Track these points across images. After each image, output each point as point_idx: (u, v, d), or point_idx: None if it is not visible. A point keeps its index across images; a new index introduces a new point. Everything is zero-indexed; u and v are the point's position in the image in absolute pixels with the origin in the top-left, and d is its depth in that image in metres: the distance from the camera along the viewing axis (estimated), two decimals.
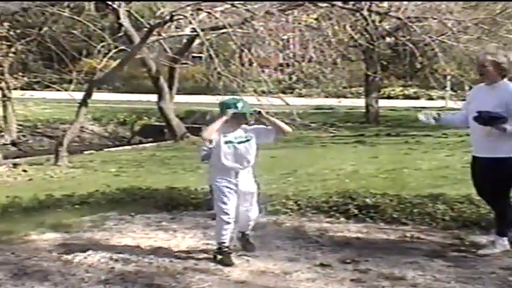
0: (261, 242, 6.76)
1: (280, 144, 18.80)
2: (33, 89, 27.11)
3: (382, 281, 5.65)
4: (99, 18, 25.97)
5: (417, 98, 38.35)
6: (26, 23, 23.51)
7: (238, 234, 6.61)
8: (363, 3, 20.10)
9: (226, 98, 6.99)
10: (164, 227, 7.74)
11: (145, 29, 20.81)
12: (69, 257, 6.47)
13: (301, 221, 7.89)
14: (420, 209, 7.96)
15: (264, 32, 18.70)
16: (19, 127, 26.58)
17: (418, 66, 27.42)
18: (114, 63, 21.41)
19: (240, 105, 6.23)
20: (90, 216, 8.30)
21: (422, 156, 15.95)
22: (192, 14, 19.27)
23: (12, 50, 21.88)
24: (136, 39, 21.17)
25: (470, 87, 6.91)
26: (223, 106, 6.29)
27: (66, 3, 22.13)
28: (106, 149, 23.35)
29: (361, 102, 29.24)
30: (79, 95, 19.57)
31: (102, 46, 21.20)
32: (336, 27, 20.70)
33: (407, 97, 38.45)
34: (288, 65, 24.14)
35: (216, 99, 18.54)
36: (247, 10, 18.56)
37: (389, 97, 37.18)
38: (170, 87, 24.78)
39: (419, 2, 21.63)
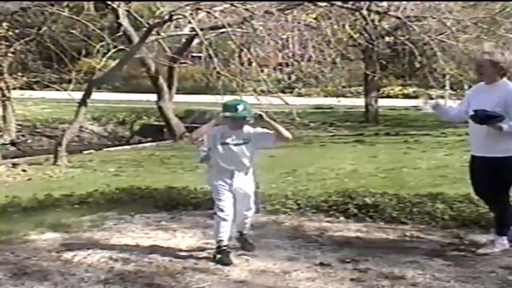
0: (260, 242, 6.76)
1: (279, 144, 18.84)
2: (32, 89, 27.12)
3: (381, 280, 5.65)
4: (99, 18, 25.98)
5: (416, 97, 38.23)
6: (25, 22, 23.49)
7: (237, 234, 6.62)
8: (362, 2, 20.11)
9: (230, 99, 7.00)
10: (164, 226, 7.74)
11: (145, 29, 20.82)
12: (69, 256, 6.46)
13: (301, 221, 7.89)
14: (419, 208, 7.95)
15: (263, 31, 18.70)
16: (18, 127, 26.58)
17: (417, 65, 27.39)
18: (113, 63, 21.43)
19: (240, 107, 6.20)
20: (90, 216, 8.29)
21: (421, 155, 15.97)
22: (191, 14, 19.28)
23: (11, 49, 21.87)
24: (136, 38, 21.18)
25: (470, 86, 6.90)
26: (223, 108, 6.31)
27: (65, 3, 22.12)
28: (105, 149, 23.36)
29: (360, 101, 29.27)
30: (78, 95, 19.57)
31: (102, 46, 21.21)
32: (335, 27, 20.73)
33: (406, 96, 38.50)
34: (287, 65, 24.16)
35: (215, 98, 18.75)
36: (247, 10, 18.56)
37: (388, 96, 37.26)
38: (169, 87, 24.80)
39: (418, 2, 21.61)
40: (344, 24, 21.42)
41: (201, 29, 19.36)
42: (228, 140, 6.26)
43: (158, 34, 21.45)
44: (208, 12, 19.38)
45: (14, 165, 17.24)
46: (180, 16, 19.32)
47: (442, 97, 31.58)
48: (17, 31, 21.77)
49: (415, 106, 31.24)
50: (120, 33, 21.84)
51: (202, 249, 6.57)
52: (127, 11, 22.38)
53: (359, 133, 22.73)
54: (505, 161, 6.32)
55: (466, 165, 6.91)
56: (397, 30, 24.84)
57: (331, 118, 27.73)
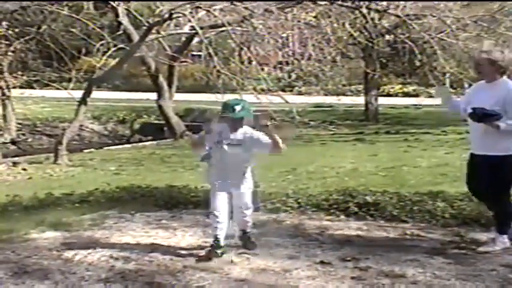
0: (261, 240, 6.77)
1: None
2: (32, 88, 27.12)
3: (382, 279, 5.65)
4: (98, 17, 25.98)
5: (416, 95, 38.35)
6: (24, 21, 23.50)
7: (240, 232, 6.65)
8: (362, 1, 20.10)
9: (231, 98, 7.02)
10: (164, 225, 7.74)
11: (145, 27, 20.81)
12: (70, 255, 6.46)
13: (301, 219, 7.89)
14: (420, 206, 7.96)
15: (263, 30, 18.70)
16: (18, 126, 26.59)
17: (417, 63, 27.36)
18: (113, 62, 21.42)
19: (238, 107, 6.21)
20: (90, 215, 8.30)
21: (421, 153, 15.97)
22: (191, 12, 19.28)
23: (11, 48, 21.87)
24: (136, 37, 21.17)
25: (470, 85, 6.86)
26: (223, 107, 6.34)
27: (65, 2, 22.11)
28: (106, 148, 23.36)
29: (360, 100, 29.27)
30: (78, 94, 19.56)
31: (101, 44, 21.21)
32: (335, 25, 20.71)
33: (406, 95, 38.54)
34: (287, 63, 24.15)
35: (215, 97, 18.74)
36: (246, 8, 18.56)
37: (388, 95, 37.27)
38: (169, 86, 24.80)
39: (418, 1, 21.63)
40: (344, 22, 21.42)
41: (201, 28, 19.35)
42: (225, 141, 6.28)
43: (158, 33, 21.44)
44: (208, 10, 19.37)
45: (15, 164, 17.25)
46: (180, 15, 19.32)
47: None
48: (16, 30, 21.78)
49: (415, 105, 31.33)
50: (120, 32, 21.84)
51: (203, 248, 6.56)
52: (127, 9, 22.39)
53: (359, 131, 22.74)
54: (505, 160, 6.32)
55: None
56: (397, 29, 24.85)
57: (331, 116, 27.73)
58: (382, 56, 31.28)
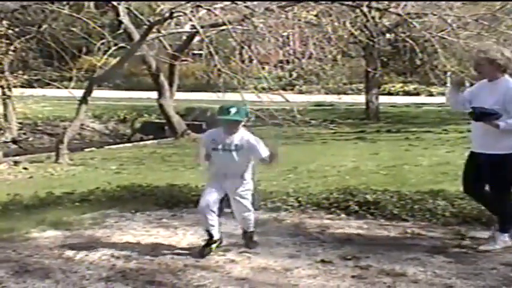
0: (261, 239, 6.77)
1: (280, 141, 18.84)
2: (32, 87, 27.11)
3: (383, 277, 5.65)
4: (99, 16, 25.99)
5: (417, 94, 38.44)
6: (25, 20, 23.50)
7: (241, 231, 6.69)
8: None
9: (230, 102, 7.04)
10: (165, 224, 7.74)
11: (145, 26, 20.80)
12: (70, 254, 6.47)
13: (302, 218, 7.89)
14: (421, 205, 7.95)
15: (264, 28, 18.69)
16: (19, 125, 26.59)
17: (418, 62, 27.40)
18: (114, 61, 21.42)
19: (233, 110, 6.22)
20: (91, 214, 8.30)
21: (422, 152, 15.98)
22: (191, 11, 19.25)
23: (12, 47, 21.86)
24: (136, 36, 21.17)
25: (471, 84, 6.81)
26: (218, 110, 6.36)
27: (65, 1, 22.11)
28: (106, 147, 23.36)
29: (361, 98, 29.28)
30: (79, 93, 19.56)
31: (102, 43, 21.23)
32: (336, 24, 20.70)
33: (407, 93, 38.59)
34: (288, 62, 24.13)
35: (216, 96, 18.75)
36: (247, 7, 18.55)
37: (389, 93, 37.31)
38: (170, 85, 24.80)
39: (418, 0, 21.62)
40: (345, 21, 21.40)
41: (202, 27, 19.35)
42: (219, 146, 6.30)
43: (159, 32, 21.44)
44: (208, 9, 19.36)
45: (16, 163, 17.25)
46: (181, 13, 19.30)
47: (443, 94, 31.65)
48: (17, 29, 21.75)
49: (416, 103, 31.30)
50: (121, 31, 21.84)
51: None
52: (127, 8, 22.39)
53: (360, 130, 22.75)
54: (506, 158, 6.32)
55: None
56: (397, 27, 24.86)
57: (332, 115, 27.74)
58: (383, 55, 31.30)
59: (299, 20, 19.90)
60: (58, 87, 24.33)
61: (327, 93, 26.12)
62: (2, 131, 25.38)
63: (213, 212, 6.33)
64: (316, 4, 19.77)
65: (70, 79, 22.60)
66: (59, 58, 24.45)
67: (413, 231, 7.16)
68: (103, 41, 21.33)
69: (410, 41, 22.31)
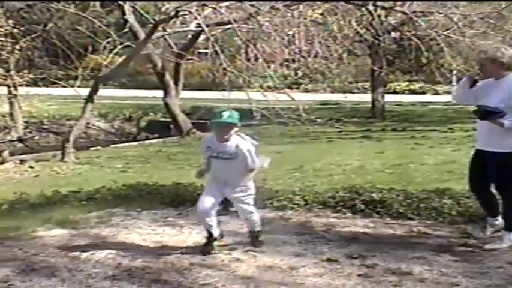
0: (267, 238, 6.77)
1: (286, 140, 18.85)
2: (38, 86, 27.16)
3: (389, 276, 5.65)
4: (105, 15, 26.03)
5: (423, 92, 38.37)
6: (31, 19, 23.56)
7: (248, 230, 6.70)
8: None
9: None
10: (171, 222, 7.75)
11: (151, 25, 20.79)
12: (76, 253, 6.48)
13: (308, 216, 7.89)
14: (427, 203, 7.95)
15: (270, 27, 18.65)
16: (25, 124, 26.65)
17: (424, 61, 27.40)
18: (119, 59, 21.41)
19: (225, 114, 6.21)
20: (97, 212, 8.32)
21: (428, 151, 15.94)
22: (197, 10, 19.24)
23: (18, 46, 21.89)
24: (142, 35, 21.18)
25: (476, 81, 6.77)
26: (211, 116, 6.39)
27: (71, 0, 22.14)
28: (112, 145, 23.39)
29: (367, 97, 29.24)
30: (85, 91, 19.57)
31: (108, 42, 21.23)
32: (342, 22, 20.67)
33: (413, 92, 38.53)
34: (293, 61, 24.11)
35: (221, 94, 18.72)
36: (252, 5, 18.52)
37: (395, 92, 37.25)
38: (176, 83, 24.80)
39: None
40: (350, 19, 21.36)
41: (207, 25, 19.33)
42: (215, 153, 6.31)
43: (164, 30, 21.43)
44: (214, 8, 19.35)
45: (22, 161, 17.27)
46: (186, 12, 19.28)
47: (449, 93, 31.58)
48: (23, 28, 21.79)
49: (421, 102, 31.23)
50: (126, 30, 21.84)
51: None
52: (133, 7, 22.39)
53: (366, 129, 22.71)
54: (511, 156, 6.32)
55: None
56: (403, 26, 24.79)
57: (338, 114, 27.67)
58: (388, 53, 31.26)
59: (305, 19, 19.85)
60: (64, 86, 24.36)
61: (332, 92, 26.10)
62: (8, 130, 25.45)
63: (212, 215, 6.36)
64: (321, 3, 19.75)
65: (76, 78, 22.59)
66: (65, 57, 24.51)
67: (419, 230, 7.16)
68: (109, 39, 21.33)
69: (416, 40, 22.26)
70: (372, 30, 23.80)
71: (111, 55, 21.19)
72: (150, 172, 14.26)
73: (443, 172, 12.00)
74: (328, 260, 6.12)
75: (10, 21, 20.70)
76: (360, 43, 27.79)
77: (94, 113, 25.39)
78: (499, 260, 6.08)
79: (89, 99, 18.84)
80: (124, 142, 25.21)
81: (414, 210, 7.80)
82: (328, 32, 20.40)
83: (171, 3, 21.83)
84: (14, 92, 24.43)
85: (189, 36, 24.62)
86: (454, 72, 26.57)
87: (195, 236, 7.03)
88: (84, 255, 6.40)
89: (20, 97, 25.13)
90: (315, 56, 20.85)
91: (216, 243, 6.43)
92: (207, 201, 6.33)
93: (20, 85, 24.35)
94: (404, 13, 21.51)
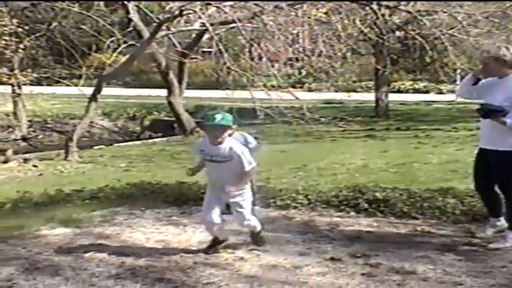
0: (271, 237, 6.77)
1: (290, 139, 18.84)
2: (41, 85, 27.17)
3: (392, 275, 5.65)
4: (109, 13, 26.02)
5: (427, 92, 38.33)
6: (35, 18, 23.53)
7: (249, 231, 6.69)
8: None
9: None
10: (174, 221, 7.76)
11: (155, 24, 20.80)
12: (80, 251, 6.49)
13: (312, 215, 7.89)
14: (430, 203, 7.95)
15: (274, 26, 18.64)
16: (29, 123, 26.68)
17: (428, 60, 27.33)
18: (123, 58, 21.42)
19: (218, 116, 6.17)
20: (101, 211, 8.33)
21: (432, 150, 15.92)
22: (201, 9, 19.23)
23: (22, 45, 21.90)
24: (146, 34, 21.16)
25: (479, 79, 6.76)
26: (205, 119, 6.42)
27: None
28: (116, 144, 23.37)
29: (371, 96, 29.21)
30: (89, 90, 19.57)
31: (112, 41, 21.22)
32: (346, 21, 20.65)
33: (417, 91, 38.49)
34: (297, 60, 24.17)
35: (225, 93, 18.72)
36: (257, 4, 18.51)
37: (399, 91, 37.21)
38: (180, 82, 24.79)
39: None
40: (354, 18, 21.35)
41: (211, 24, 19.31)
42: (209, 157, 6.29)
43: (168, 29, 21.43)
44: (218, 7, 19.34)
45: (25, 160, 17.27)
46: (190, 11, 19.27)
47: (453, 92, 31.56)
48: (27, 27, 21.78)
49: (425, 101, 31.20)
50: (130, 29, 21.83)
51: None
52: (137, 6, 22.39)
53: (370, 128, 22.68)
54: (510, 156, 6.32)
55: None
56: (407, 25, 24.76)
57: (342, 113, 27.66)
58: (392, 53, 31.20)
59: (309, 18, 19.83)
60: (68, 85, 24.33)
61: (336, 91, 26.11)
62: (11, 129, 25.48)
63: (217, 224, 6.33)
64: (326, 2, 19.72)
65: (79, 77, 22.59)
66: (69, 56, 24.48)
67: (423, 229, 7.15)
68: (113, 38, 21.31)
69: (420, 39, 22.22)
70: (376, 29, 23.80)
71: (115, 54, 21.19)
72: (153, 171, 14.25)
73: (447, 171, 11.99)
74: (332, 259, 6.12)
75: (14, 21, 20.68)
76: (364, 42, 27.76)
77: (98, 112, 25.41)
78: (502, 259, 6.07)
79: (93, 98, 18.84)
80: (128, 141, 25.19)
81: (418, 210, 7.80)
82: (332, 31, 20.38)
83: (175, 2, 21.80)
84: (18, 91, 24.44)
85: (193, 35, 24.61)
86: (458, 71, 26.53)
87: (199, 235, 7.04)
88: (87, 254, 6.41)
89: (23, 96, 25.15)
90: (319, 55, 20.84)
91: (219, 246, 6.45)
92: (211, 212, 6.30)
93: (24, 84, 24.35)
94: (409, 12, 21.50)
